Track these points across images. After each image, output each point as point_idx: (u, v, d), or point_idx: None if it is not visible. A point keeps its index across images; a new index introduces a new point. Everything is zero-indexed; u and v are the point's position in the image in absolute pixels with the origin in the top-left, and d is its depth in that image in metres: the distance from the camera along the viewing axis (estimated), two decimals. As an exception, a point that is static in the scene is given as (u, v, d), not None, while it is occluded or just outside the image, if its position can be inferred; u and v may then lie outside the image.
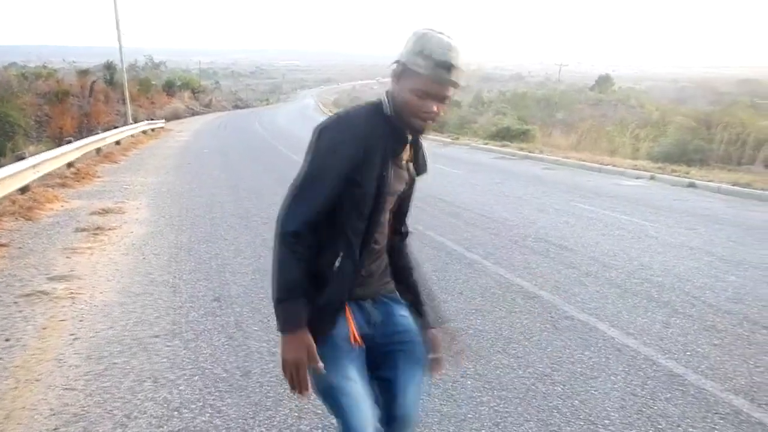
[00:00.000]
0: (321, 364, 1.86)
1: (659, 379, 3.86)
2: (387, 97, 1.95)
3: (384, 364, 2.08)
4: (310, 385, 1.88)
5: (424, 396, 3.44)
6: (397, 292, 2.18)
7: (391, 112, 1.93)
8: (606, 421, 3.34)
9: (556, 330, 4.66)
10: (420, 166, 2.14)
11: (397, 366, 2.06)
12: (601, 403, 3.53)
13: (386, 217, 2.06)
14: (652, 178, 14.54)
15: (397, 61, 1.91)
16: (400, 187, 2.06)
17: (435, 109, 1.87)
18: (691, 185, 13.31)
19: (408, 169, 2.08)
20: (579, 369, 3.99)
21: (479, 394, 3.62)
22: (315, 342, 1.87)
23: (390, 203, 2.04)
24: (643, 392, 3.68)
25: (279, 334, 1.87)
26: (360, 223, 1.95)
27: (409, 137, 1.99)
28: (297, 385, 1.87)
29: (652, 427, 3.30)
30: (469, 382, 3.76)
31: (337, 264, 1.94)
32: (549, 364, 4.05)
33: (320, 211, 1.89)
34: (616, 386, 3.75)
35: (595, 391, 3.69)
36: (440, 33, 1.85)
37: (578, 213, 9.60)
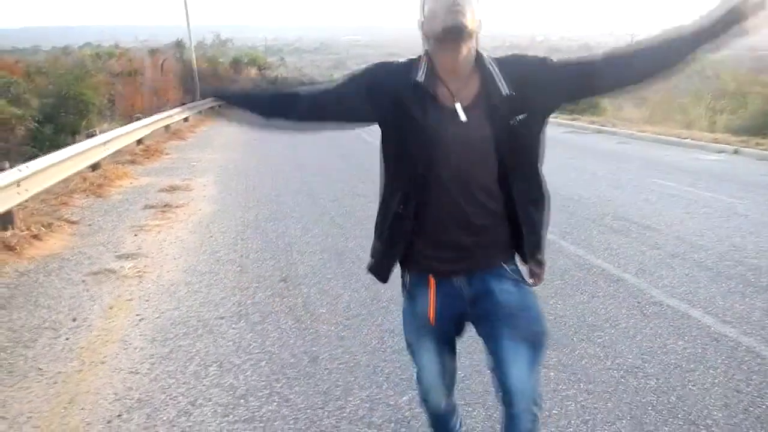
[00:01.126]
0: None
1: (766, 374, 3.48)
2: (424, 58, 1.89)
3: (489, 339, 2.03)
4: None
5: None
6: (506, 265, 1.99)
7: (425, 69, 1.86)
8: (708, 421, 3.01)
9: (645, 317, 4.31)
10: (492, 98, 1.82)
11: (500, 342, 1.97)
12: (701, 400, 3.20)
13: (458, 174, 1.83)
14: (735, 152, 13.72)
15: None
16: (466, 133, 1.81)
17: (452, 3, 1.75)
18: (779, 159, 12.50)
19: (478, 112, 1.83)
20: (673, 360, 3.65)
21: (564, 387, 3.33)
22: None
23: (455, 159, 1.82)
24: (749, 388, 3.32)
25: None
26: (414, 177, 1.86)
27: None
28: None
29: (762, 429, 2.96)
30: (552, 374, 3.47)
31: (391, 216, 1.95)
32: (639, 355, 3.72)
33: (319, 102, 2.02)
34: (716, 381, 3.40)
35: (693, 386, 3.35)
36: None
37: (658, 190, 9.07)
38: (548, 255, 5.40)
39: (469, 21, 1.75)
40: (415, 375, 2.23)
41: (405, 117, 1.84)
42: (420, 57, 1.90)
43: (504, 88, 1.81)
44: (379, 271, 2.08)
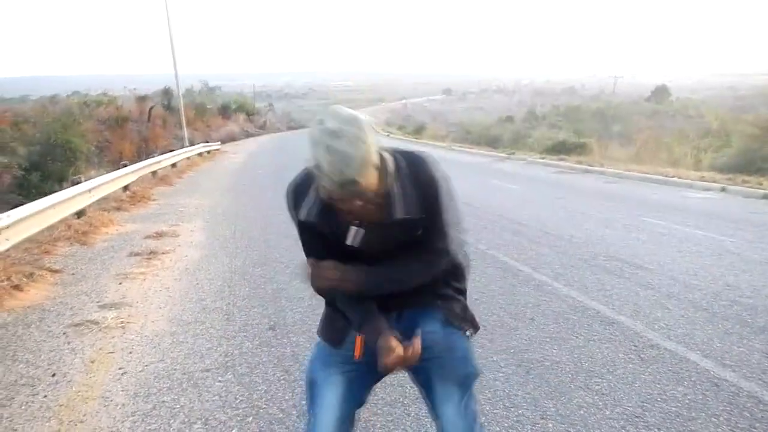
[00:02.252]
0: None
1: (770, 421, 3.38)
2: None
3: (421, 383, 2.07)
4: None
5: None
6: (434, 306, 2.05)
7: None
8: (714, 473, 2.89)
9: (642, 361, 4.20)
10: (394, 211, 1.82)
11: (432, 385, 2.01)
12: (705, 451, 3.08)
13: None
14: (722, 189, 13.79)
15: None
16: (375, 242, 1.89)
17: (350, 207, 1.74)
18: (766, 197, 12.53)
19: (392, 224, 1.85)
20: (674, 408, 3.53)
21: (563, 439, 3.21)
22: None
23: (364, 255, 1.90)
24: (753, 437, 3.21)
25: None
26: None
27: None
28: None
29: (770, 480, 2.84)
30: (550, 425, 3.35)
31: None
32: (639, 403, 3.60)
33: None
34: (719, 430, 3.29)
35: (696, 435, 3.24)
36: (334, 135, 1.61)
37: (648, 228, 9.03)
38: (542, 297, 5.35)
39: (365, 182, 1.66)
40: (308, 424, 2.04)
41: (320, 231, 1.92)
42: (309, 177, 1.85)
43: (399, 212, 1.82)
44: (329, 333, 2.09)
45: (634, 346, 4.47)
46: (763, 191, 12.88)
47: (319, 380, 2.02)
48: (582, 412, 3.50)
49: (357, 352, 1.96)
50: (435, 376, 1.99)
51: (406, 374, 2.13)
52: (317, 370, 2.05)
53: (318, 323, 2.17)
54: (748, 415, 3.44)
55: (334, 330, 2.05)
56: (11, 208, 7.33)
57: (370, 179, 1.66)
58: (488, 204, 11.45)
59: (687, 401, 3.61)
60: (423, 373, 2.02)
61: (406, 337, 1.92)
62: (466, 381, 2.03)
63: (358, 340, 1.95)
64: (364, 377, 2.04)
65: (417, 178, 1.83)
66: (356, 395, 2.06)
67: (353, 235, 1.85)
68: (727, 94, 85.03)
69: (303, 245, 2.01)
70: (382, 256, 1.90)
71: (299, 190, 1.92)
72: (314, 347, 2.13)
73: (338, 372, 2.00)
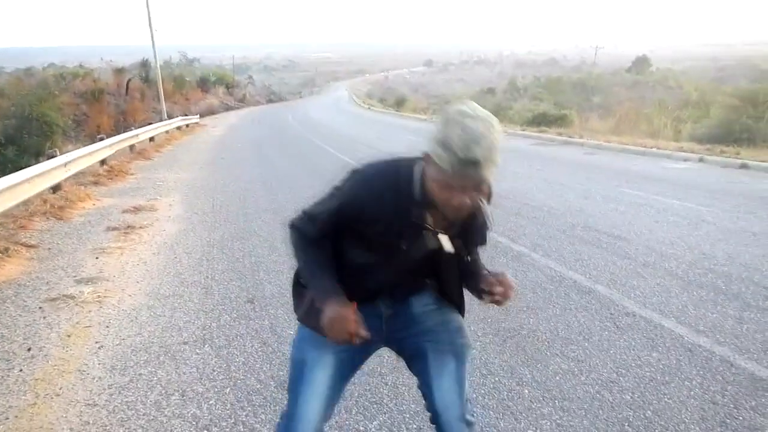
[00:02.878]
0: (366, 333, 1.77)
1: (741, 384, 3.43)
2: (417, 175, 1.77)
3: (413, 358, 2.04)
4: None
5: (478, 408, 3.11)
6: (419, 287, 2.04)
7: (420, 195, 1.76)
8: (686, 436, 2.94)
9: (618, 329, 4.25)
10: (472, 239, 1.93)
11: (425, 357, 1.98)
12: (677, 414, 3.13)
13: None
14: (700, 160, 13.89)
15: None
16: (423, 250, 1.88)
17: (467, 200, 1.68)
18: (744, 166, 12.65)
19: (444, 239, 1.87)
20: (648, 373, 3.58)
21: (539, 405, 3.24)
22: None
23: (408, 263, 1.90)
24: (725, 400, 3.27)
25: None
26: (367, 257, 1.90)
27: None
28: (351, 333, 1.75)
29: (741, 441, 2.90)
30: (526, 391, 3.38)
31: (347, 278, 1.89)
32: (614, 368, 3.65)
33: (320, 230, 1.88)
34: (692, 393, 3.34)
35: (669, 399, 3.29)
36: (469, 117, 1.61)
37: (627, 199, 9.09)
38: (519, 268, 5.37)
39: (485, 173, 1.66)
40: (287, 405, 2.00)
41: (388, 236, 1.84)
42: (413, 171, 1.79)
43: (490, 224, 1.94)
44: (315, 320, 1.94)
45: (610, 314, 4.52)
46: (740, 161, 12.99)
47: (309, 360, 1.94)
48: (558, 378, 3.54)
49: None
50: (429, 349, 1.97)
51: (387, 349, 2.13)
52: (308, 350, 1.96)
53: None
54: (720, 378, 3.50)
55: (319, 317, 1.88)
56: (-15, 183, 7.22)
57: (489, 172, 1.64)
58: (468, 175, 11.45)
59: (661, 366, 3.67)
60: (416, 347, 2.00)
61: (396, 320, 2.00)
62: (461, 351, 2.01)
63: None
64: (354, 357, 2.01)
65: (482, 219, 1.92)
66: (346, 375, 2.02)
67: (447, 243, 1.85)
68: (709, 65, 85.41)
69: (321, 216, 1.88)
70: (407, 274, 1.94)
71: (392, 183, 1.80)
72: (300, 327, 2.04)
73: (330, 352, 1.92)
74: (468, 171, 1.60)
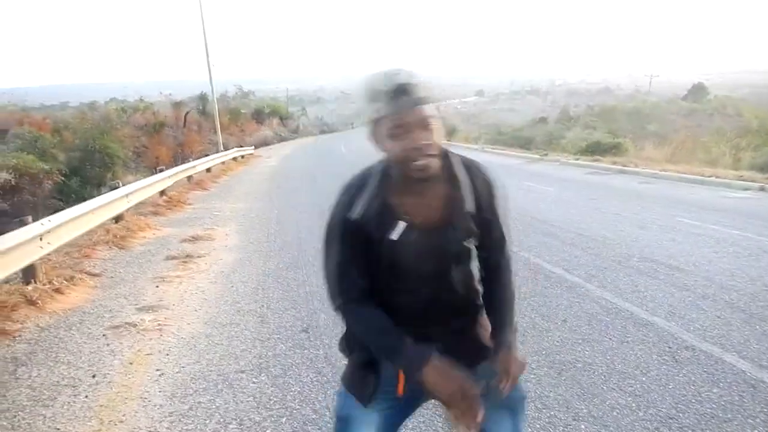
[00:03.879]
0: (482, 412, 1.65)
1: (808, 423, 3.32)
2: (381, 164, 1.79)
3: None
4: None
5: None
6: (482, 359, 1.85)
7: (386, 175, 1.76)
8: (750, 476, 2.86)
9: (677, 363, 4.16)
10: (457, 210, 1.77)
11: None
12: (741, 453, 3.05)
13: (421, 281, 1.79)
14: (761, 189, 13.51)
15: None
16: (426, 252, 1.76)
17: (423, 140, 1.61)
18: (808, 196, 12.27)
19: (448, 228, 1.77)
20: (709, 409, 3.50)
21: (596, 441, 3.20)
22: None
23: (411, 268, 1.77)
24: (791, 439, 3.17)
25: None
26: (378, 279, 1.80)
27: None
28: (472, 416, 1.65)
29: (808, 483, 2.80)
30: (583, 426, 3.34)
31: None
32: (673, 404, 3.57)
33: (359, 281, 1.82)
34: (755, 431, 3.25)
35: (731, 437, 3.20)
36: (381, 71, 1.64)
37: (684, 229, 8.90)
38: (574, 299, 5.31)
39: (441, 147, 1.68)
40: None
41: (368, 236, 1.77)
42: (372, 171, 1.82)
43: (469, 204, 1.77)
44: (359, 388, 1.88)
45: (669, 347, 4.43)
46: (804, 190, 12.60)
47: (353, 418, 1.85)
48: (615, 413, 3.49)
49: (400, 389, 1.80)
50: (486, 404, 1.82)
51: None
52: (352, 407, 1.85)
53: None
54: (785, 417, 3.39)
55: (364, 385, 1.84)
56: (52, 213, 7.53)
57: (424, 101, 1.62)
58: (520, 206, 11.39)
59: (722, 402, 3.57)
60: None
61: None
62: (518, 405, 1.94)
63: (401, 375, 1.78)
64: (400, 413, 1.93)
65: (476, 177, 1.81)
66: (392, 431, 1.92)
67: (399, 230, 1.73)
68: (766, 92, 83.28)
69: (339, 255, 1.84)
70: (432, 282, 1.79)
71: (357, 185, 1.80)
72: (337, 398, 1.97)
73: (376, 409, 1.83)
74: (402, 102, 1.59)
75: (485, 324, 1.91)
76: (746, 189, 13.71)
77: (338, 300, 1.85)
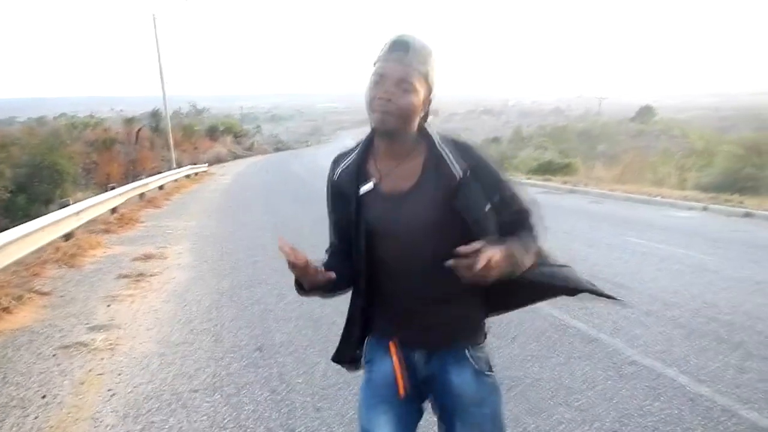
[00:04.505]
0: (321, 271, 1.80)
1: (742, 434, 3.49)
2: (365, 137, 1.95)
3: (441, 418, 1.96)
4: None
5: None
6: (469, 350, 1.89)
7: (370, 139, 1.90)
8: (688, 485, 2.99)
9: (621, 377, 4.31)
10: (444, 182, 1.76)
11: (453, 428, 1.91)
12: (679, 463, 3.19)
13: (399, 261, 1.83)
14: (704, 208, 14.00)
15: None
16: (397, 221, 1.80)
17: (389, 95, 1.70)
18: (748, 215, 12.74)
19: (418, 197, 1.79)
20: (650, 423, 3.64)
21: (543, 453, 3.30)
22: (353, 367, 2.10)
23: (386, 241, 1.83)
24: (726, 449, 3.32)
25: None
26: (359, 259, 1.88)
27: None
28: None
29: (741, 491, 2.95)
30: (531, 440, 3.45)
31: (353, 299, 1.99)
32: (617, 418, 3.71)
33: (334, 247, 2.02)
34: (694, 443, 3.40)
35: (671, 448, 3.34)
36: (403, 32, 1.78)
37: (631, 247, 9.19)
38: (525, 317, 5.44)
39: (405, 110, 1.72)
40: None
41: (348, 205, 1.87)
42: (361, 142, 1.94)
43: (457, 171, 1.76)
44: (340, 356, 2.09)
45: (613, 363, 4.58)
46: (744, 210, 13.09)
47: (371, 428, 1.91)
48: (562, 427, 3.60)
49: (400, 390, 1.87)
50: (457, 425, 1.90)
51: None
52: (368, 419, 1.93)
53: (305, 344, 2.17)
54: (722, 428, 3.55)
55: (348, 347, 2.03)
56: (-1, 232, 7.39)
57: (413, 66, 1.71)
58: (474, 224, 11.59)
59: (663, 416, 3.72)
60: (446, 415, 1.94)
61: (431, 383, 1.91)
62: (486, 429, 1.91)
63: (399, 376, 1.87)
64: (410, 413, 1.96)
65: (466, 154, 1.80)
66: (410, 428, 1.98)
67: (367, 188, 1.83)
68: (713, 114, 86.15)
69: (328, 216, 2.02)
70: (403, 250, 1.81)
71: (343, 156, 1.94)
72: (360, 392, 2.02)
73: (385, 415, 1.90)
74: (396, 54, 1.71)
75: (459, 314, 1.90)
76: (690, 209, 14.18)
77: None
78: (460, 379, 1.87)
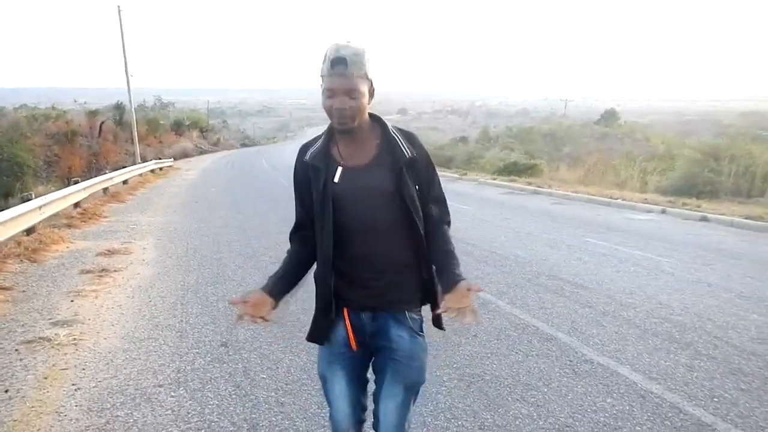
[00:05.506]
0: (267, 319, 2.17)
1: (688, 429, 3.66)
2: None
3: (376, 373, 2.35)
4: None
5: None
6: (407, 312, 2.28)
7: (326, 135, 2.25)
8: (635, 476, 3.14)
9: (576, 375, 4.47)
10: (396, 160, 2.18)
11: (383, 379, 2.29)
12: (628, 456, 3.34)
13: (364, 223, 2.18)
14: (663, 212, 14.38)
15: None
16: (359, 191, 2.17)
17: (344, 105, 2.06)
18: (704, 219, 13.12)
19: (375, 171, 2.18)
20: (602, 418, 3.80)
21: (499, 447, 3.43)
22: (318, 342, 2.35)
23: (352, 207, 2.17)
24: (672, 443, 3.49)
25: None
26: (323, 232, 2.20)
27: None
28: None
29: (685, 482, 3.10)
30: (487, 434, 3.57)
31: (316, 270, 2.30)
32: (570, 413, 3.86)
33: (300, 223, 2.34)
34: (642, 437, 3.56)
35: (621, 442, 3.49)
36: (341, 41, 2.08)
37: (591, 249, 9.42)
38: (485, 315, 5.57)
39: (357, 111, 2.09)
40: (328, 414, 2.39)
41: (312, 181, 2.22)
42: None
43: (407, 152, 2.19)
44: (319, 334, 2.34)
45: (569, 360, 4.74)
46: (701, 214, 13.46)
47: (327, 376, 2.32)
48: (518, 422, 3.74)
49: (352, 344, 2.27)
50: (389, 374, 2.25)
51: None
52: (324, 369, 2.34)
53: (269, 341, 2.33)
54: (669, 423, 3.72)
55: (318, 329, 2.31)
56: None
57: (355, 76, 2.05)
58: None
59: (615, 412, 3.88)
60: (381, 364, 2.30)
61: (376, 337, 2.26)
62: (413, 387, 2.31)
63: (350, 336, 2.26)
64: (360, 362, 2.34)
65: (413, 142, 2.25)
66: (359, 378, 2.35)
67: (339, 175, 2.17)
68: (674, 119, 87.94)
69: (295, 199, 2.33)
70: (370, 228, 2.18)
71: (310, 143, 2.29)
72: (319, 349, 2.37)
73: (340, 366, 2.29)
74: (338, 68, 2.03)
75: (402, 281, 2.26)
76: (649, 212, 14.55)
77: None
78: (399, 336, 2.25)
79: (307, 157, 2.23)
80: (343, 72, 2.03)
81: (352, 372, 2.31)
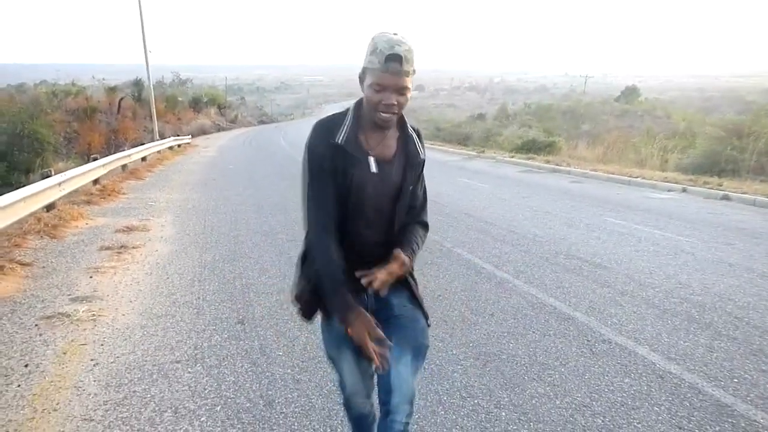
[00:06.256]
0: (384, 340, 2.11)
1: (707, 410, 3.62)
2: (356, 104, 2.26)
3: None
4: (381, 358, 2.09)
5: (456, 430, 3.28)
6: (409, 277, 2.39)
7: (353, 121, 2.23)
8: (652, 457, 3.12)
9: (593, 355, 4.44)
10: (411, 158, 2.28)
11: (391, 341, 2.24)
12: (645, 437, 3.31)
13: (373, 212, 2.24)
14: (683, 190, 14.21)
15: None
16: (381, 182, 2.22)
17: (393, 101, 2.10)
18: (725, 198, 12.95)
19: (394, 165, 2.25)
20: (620, 398, 3.77)
21: (515, 428, 3.41)
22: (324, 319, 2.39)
23: (369, 198, 2.22)
24: (690, 425, 3.45)
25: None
26: (348, 221, 2.23)
27: (388, 133, 2.26)
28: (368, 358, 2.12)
29: (703, 464, 3.08)
30: (503, 414, 3.56)
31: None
32: (587, 393, 3.84)
33: (330, 219, 2.22)
34: (660, 418, 3.53)
35: (638, 423, 3.47)
36: (391, 33, 2.10)
37: (609, 228, 9.33)
38: (503, 294, 5.54)
39: (403, 107, 2.16)
40: (338, 383, 2.50)
41: (338, 168, 2.19)
42: (349, 110, 2.27)
43: (422, 153, 2.32)
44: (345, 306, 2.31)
45: (587, 340, 4.71)
46: (722, 192, 13.29)
47: (334, 356, 2.42)
48: (534, 401, 3.72)
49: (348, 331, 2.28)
50: (396, 340, 2.25)
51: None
52: (331, 349, 2.43)
53: (285, 318, 2.33)
54: (688, 404, 3.69)
55: (307, 307, 2.39)
56: (-20, 201, 7.35)
57: (408, 73, 2.08)
58: (456, 202, 11.70)
59: (632, 392, 3.85)
60: (387, 333, 2.25)
61: (379, 312, 2.30)
62: (420, 349, 2.35)
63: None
64: None
65: (421, 142, 2.35)
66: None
67: (373, 164, 2.20)
68: (696, 95, 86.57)
69: (312, 190, 2.21)
70: (377, 218, 2.25)
71: (334, 123, 2.24)
72: (323, 331, 2.44)
73: (347, 346, 2.29)
74: (393, 66, 2.04)
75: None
76: (670, 190, 14.37)
77: (311, 228, 2.25)
78: (400, 304, 2.37)
79: (340, 140, 2.18)
80: (397, 70, 2.05)
81: (358, 353, 2.31)
